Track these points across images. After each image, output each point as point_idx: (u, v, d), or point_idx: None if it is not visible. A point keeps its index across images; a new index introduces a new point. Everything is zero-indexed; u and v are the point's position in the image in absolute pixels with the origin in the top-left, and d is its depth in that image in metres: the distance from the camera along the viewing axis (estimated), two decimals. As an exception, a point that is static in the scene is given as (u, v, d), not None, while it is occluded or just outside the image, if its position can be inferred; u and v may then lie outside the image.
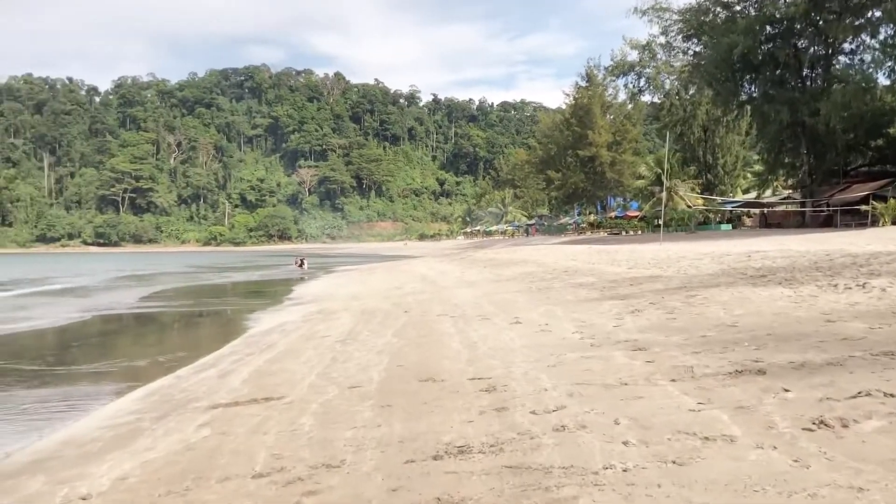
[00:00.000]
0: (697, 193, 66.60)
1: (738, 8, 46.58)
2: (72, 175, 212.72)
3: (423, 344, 8.89)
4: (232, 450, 4.79)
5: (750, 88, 50.80)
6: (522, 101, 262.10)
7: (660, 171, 69.47)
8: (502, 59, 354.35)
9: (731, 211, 63.15)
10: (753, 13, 44.66)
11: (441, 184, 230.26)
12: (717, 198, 58.68)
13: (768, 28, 44.44)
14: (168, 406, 6.91)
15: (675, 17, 50.93)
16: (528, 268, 21.33)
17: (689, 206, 64.84)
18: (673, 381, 5.33)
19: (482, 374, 6.47)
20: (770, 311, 8.23)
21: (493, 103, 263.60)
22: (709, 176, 70.51)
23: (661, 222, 48.52)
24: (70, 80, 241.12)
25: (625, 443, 3.96)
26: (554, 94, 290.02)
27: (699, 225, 61.24)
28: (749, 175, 73.54)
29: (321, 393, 6.53)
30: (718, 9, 46.52)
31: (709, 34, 48.80)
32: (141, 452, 5.05)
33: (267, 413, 5.88)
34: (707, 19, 48.78)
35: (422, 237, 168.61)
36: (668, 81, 66.61)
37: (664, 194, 69.72)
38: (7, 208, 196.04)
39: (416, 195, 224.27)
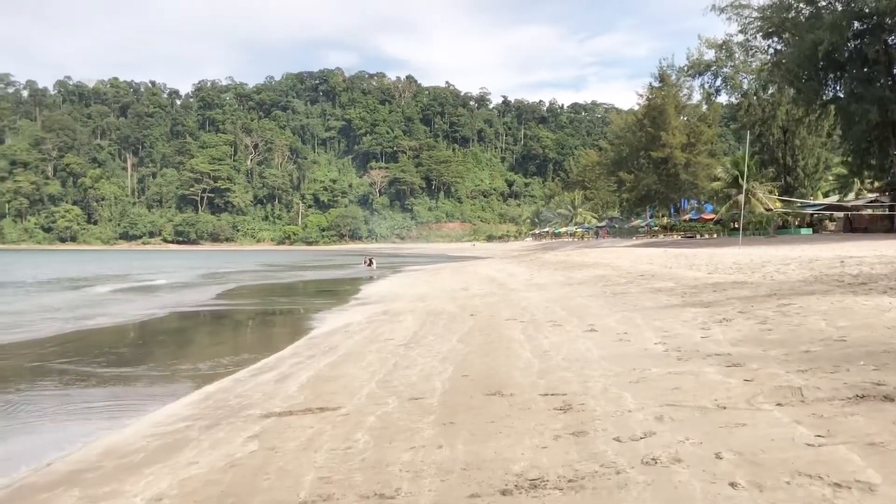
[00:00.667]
0: (775, 196, 63.95)
1: (822, 3, 44.29)
2: (153, 175, 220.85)
3: (491, 351, 8.31)
4: (278, 469, 4.33)
5: (834, 87, 48.37)
6: (593, 103, 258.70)
7: (737, 172, 67.01)
8: (573, 60, 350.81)
9: (811, 215, 60.38)
10: (840, 8, 42.35)
11: (510, 185, 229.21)
12: (798, 200, 56.01)
13: (856, 24, 42.16)
14: (221, 413, 6.54)
15: (755, 14, 48.82)
16: (600, 271, 20.47)
17: (767, 210, 62.23)
18: (779, 405, 4.59)
19: (556, 388, 5.85)
20: (882, 323, 7.31)
21: (563, 105, 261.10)
22: (788, 178, 67.62)
23: (738, 226, 46.51)
24: (153, 83, 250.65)
25: (732, 485, 3.29)
26: (625, 96, 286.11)
27: (778, 229, 58.70)
28: (830, 178, 70.28)
29: (380, 404, 6.03)
30: (802, 5, 44.35)
31: (791, 31, 46.70)
32: (183, 467, 4.64)
33: (320, 426, 5.41)
34: (789, 16, 46.63)
35: (490, 238, 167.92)
36: (746, 81, 64.32)
37: (742, 197, 67.36)
38: (93, 207, 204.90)
39: (485, 196, 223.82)
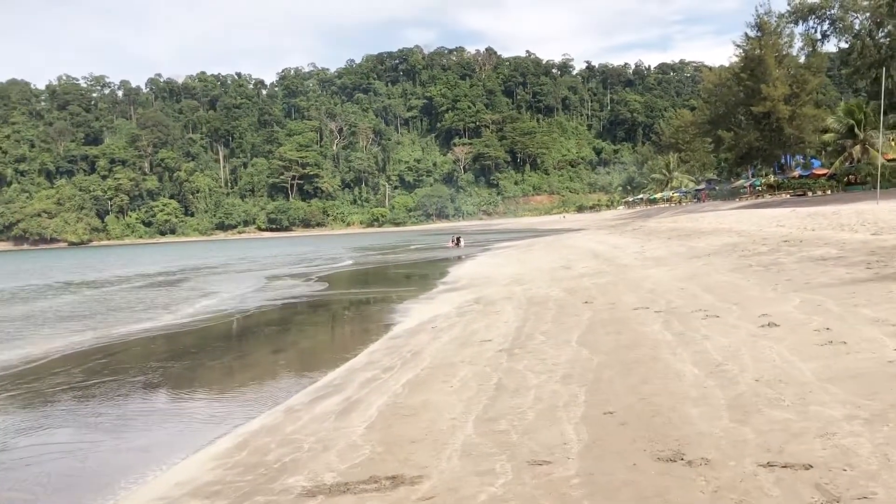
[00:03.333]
0: (881, 143, 57.99)
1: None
2: (244, 165, 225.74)
3: (633, 364, 5.91)
4: None
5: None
6: (682, 62, 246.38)
7: (852, 122, 61.21)
8: (656, 20, 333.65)
9: (946, 164, 54.36)
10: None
11: (598, 153, 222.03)
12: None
13: None
14: (250, 482, 4.45)
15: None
16: (725, 238, 17.53)
17: (891, 160, 56.50)
18: None
19: (782, 448, 3.45)
20: None
21: (649, 66, 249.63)
22: (911, 125, 61.21)
23: (871, 179, 41.85)
24: (239, 75, 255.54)
25: None
26: (714, 52, 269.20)
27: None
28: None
29: (483, 473, 3.79)
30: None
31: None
32: None
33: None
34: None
35: (580, 209, 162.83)
36: (857, 21, 58.56)
37: (858, 148, 61.43)
38: (189, 199, 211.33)
39: (573, 166, 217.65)
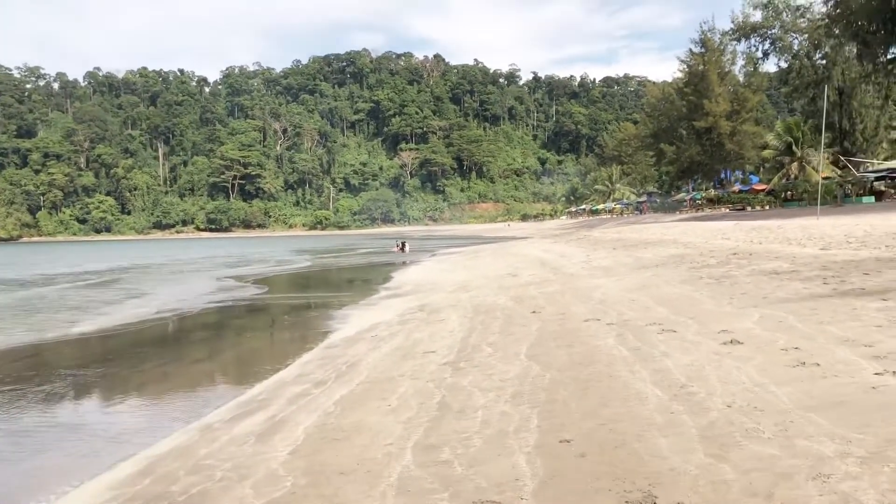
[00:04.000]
0: (829, 163, 59.83)
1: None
2: (184, 163, 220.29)
3: (588, 382, 5.40)
4: None
5: (907, 40, 44.08)
6: (626, 76, 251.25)
7: (790, 139, 62.99)
8: (603, 34, 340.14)
9: (873, 182, 56.22)
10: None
11: (542, 163, 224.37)
12: (871, 162, 51.74)
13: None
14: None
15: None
16: (672, 249, 17.37)
17: (826, 178, 58.14)
18: None
19: (767, 489, 2.96)
20: None
21: (594, 79, 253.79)
22: (845, 143, 63.19)
23: (812, 195, 42.90)
24: (181, 71, 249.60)
25: None
26: (657, 68, 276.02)
27: (834, 198, 54.63)
28: (884, 144, 65.79)
29: (422, 517, 3.20)
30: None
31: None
32: None
33: None
34: (855, -38, 42.58)
35: (524, 218, 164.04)
36: (796, 42, 60.30)
37: (795, 165, 63.20)
38: (126, 197, 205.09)
39: (518, 175, 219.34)
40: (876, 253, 10.88)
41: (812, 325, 6.17)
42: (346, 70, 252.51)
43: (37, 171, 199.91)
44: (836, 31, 47.67)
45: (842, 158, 49.59)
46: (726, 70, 73.28)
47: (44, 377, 8.52)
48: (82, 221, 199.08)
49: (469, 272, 21.34)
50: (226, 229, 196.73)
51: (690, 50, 73.63)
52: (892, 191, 57.04)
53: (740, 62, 71.38)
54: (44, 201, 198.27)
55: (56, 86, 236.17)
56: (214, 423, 5.96)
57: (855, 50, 50.76)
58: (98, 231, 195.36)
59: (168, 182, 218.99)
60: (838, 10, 45.66)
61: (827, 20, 48.47)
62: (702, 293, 9.24)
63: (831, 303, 7.11)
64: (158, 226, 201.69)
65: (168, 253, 59.16)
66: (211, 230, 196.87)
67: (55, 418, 6.70)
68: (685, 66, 74.97)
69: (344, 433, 4.95)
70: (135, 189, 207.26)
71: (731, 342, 5.92)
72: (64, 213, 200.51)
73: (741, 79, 74.46)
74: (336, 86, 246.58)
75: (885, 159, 65.11)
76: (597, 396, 4.92)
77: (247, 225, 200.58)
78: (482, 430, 4.51)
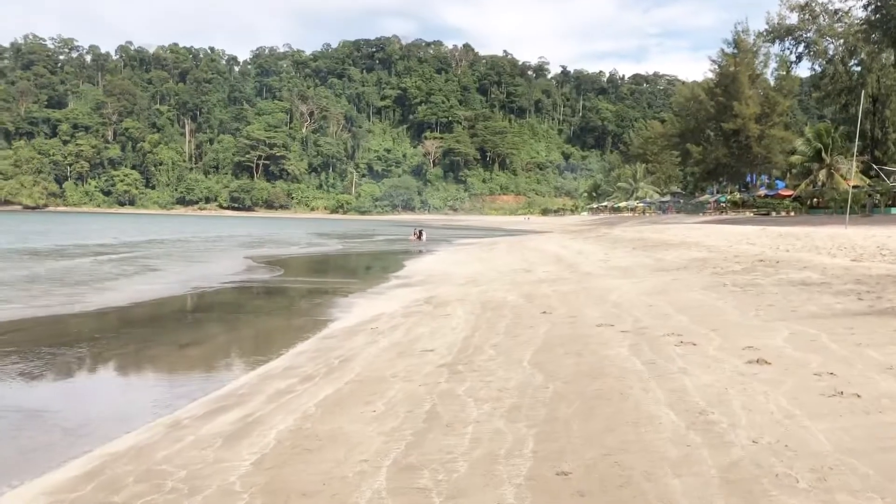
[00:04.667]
0: (858, 171, 58.54)
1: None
2: (210, 141, 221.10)
3: (595, 397, 4.84)
4: None
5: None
6: (655, 74, 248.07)
7: (820, 145, 61.56)
8: (635, 30, 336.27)
9: (903, 193, 54.78)
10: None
11: (566, 157, 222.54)
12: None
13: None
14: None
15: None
16: (694, 252, 16.68)
17: (855, 187, 56.90)
18: None
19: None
20: None
21: (623, 76, 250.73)
22: (877, 153, 61.65)
23: (839, 203, 41.79)
24: (212, 49, 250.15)
25: None
26: (688, 67, 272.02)
27: (863, 208, 53.31)
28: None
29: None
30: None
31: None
32: None
33: None
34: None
35: (545, 212, 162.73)
36: (831, 46, 58.84)
37: (824, 172, 61.74)
38: (151, 171, 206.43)
39: (541, 169, 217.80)
40: (915, 268, 10.17)
41: (848, 346, 5.55)
42: (374, 56, 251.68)
43: (65, 142, 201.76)
44: (875, 38, 46.30)
45: (875, 167, 48.28)
46: (758, 73, 71.95)
47: (21, 355, 8.10)
48: (107, 193, 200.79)
49: (483, 265, 20.79)
50: (248, 208, 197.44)
51: (722, 50, 72.32)
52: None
53: (773, 65, 70.04)
54: (70, 172, 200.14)
55: (88, 58, 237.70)
56: (184, 420, 5.47)
57: (893, 57, 49.42)
58: (122, 204, 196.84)
59: (193, 159, 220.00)
60: (878, 15, 44.35)
61: (866, 25, 47.10)
62: (725, 302, 8.61)
63: (869, 322, 6.47)
64: (182, 202, 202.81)
65: (190, 230, 59.15)
66: (233, 208, 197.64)
67: (16, 402, 6.25)
68: (716, 67, 73.67)
69: (318, 442, 4.44)
70: (160, 164, 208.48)
71: (758, 361, 5.32)
72: (90, 184, 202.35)
73: (772, 82, 73.11)
74: (364, 71, 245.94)
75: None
76: (603, 417, 4.35)
77: (269, 205, 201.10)
78: (470, 452, 3.97)
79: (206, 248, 32.32)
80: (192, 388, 6.77)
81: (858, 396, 4.23)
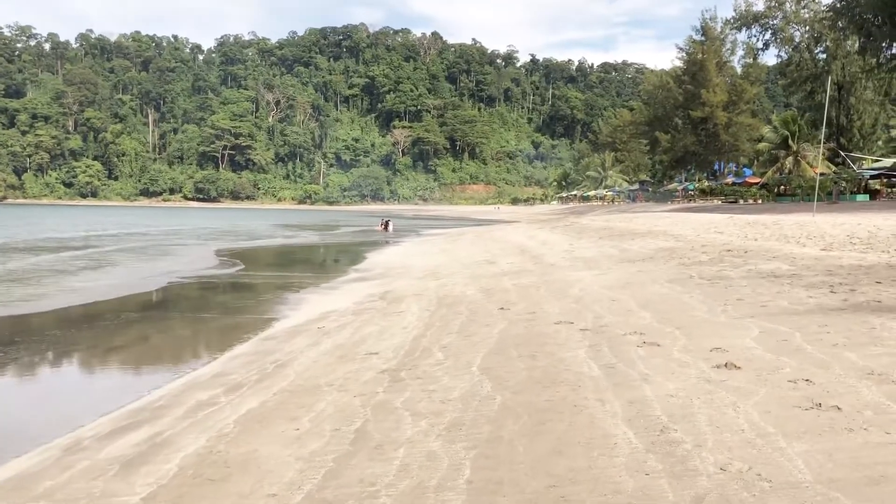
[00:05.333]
0: (824, 158, 59.10)
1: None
2: (175, 131, 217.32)
3: (545, 410, 4.29)
4: None
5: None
6: (624, 63, 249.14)
7: (787, 133, 61.96)
8: (602, 20, 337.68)
9: (867, 180, 55.38)
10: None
11: (536, 146, 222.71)
12: (866, 159, 50.82)
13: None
14: None
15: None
16: (661, 241, 16.29)
17: (821, 174, 57.34)
18: None
19: None
20: None
21: (592, 64, 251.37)
22: (842, 139, 62.24)
23: (806, 190, 42.00)
24: (175, 37, 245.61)
25: None
26: (655, 56, 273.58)
27: (829, 195, 53.69)
28: (879, 142, 64.97)
29: None
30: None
31: (860, -28, 41.60)
32: None
33: None
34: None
35: (515, 201, 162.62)
36: (797, 33, 59.15)
37: (790, 159, 62.16)
38: (113, 162, 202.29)
39: (510, 158, 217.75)
40: (885, 258, 9.80)
41: (824, 347, 5.07)
42: (342, 44, 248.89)
43: (24, 133, 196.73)
44: (840, 24, 46.46)
45: (841, 153, 48.61)
46: (725, 60, 72.26)
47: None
48: (68, 185, 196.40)
49: (446, 256, 20.24)
50: (214, 199, 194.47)
51: (690, 37, 72.46)
52: (888, 189, 56.27)
53: (740, 52, 70.37)
54: (30, 163, 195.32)
55: (47, 46, 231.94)
56: (86, 440, 4.83)
57: (857, 45, 49.66)
58: (84, 196, 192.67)
59: (157, 149, 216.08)
60: (843, 2, 44.46)
61: (831, 13, 47.26)
62: (692, 296, 8.13)
63: (844, 318, 6.01)
64: (146, 193, 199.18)
65: (148, 222, 57.69)
66: (199, 200, 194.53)
67: None
68: (684, 55, 73.77)
69: (225, 470, 3.83)
70: (123, 155, 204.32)
71: (726, 365, 4.82)
72: (50, 175, 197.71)
73: (739, 70, 73.58)
74: (331, 59, 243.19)
75: (882, 156, 64.39)
76: (553, 437, 3.80)
77: (235, 196, 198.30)
78: (396, 482, 3.40)
79: (158, 242, 31.16)
80: (106, 399, 6.09)
81: (839, 409, 3.73)
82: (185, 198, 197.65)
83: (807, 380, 4.30)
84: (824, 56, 57.57)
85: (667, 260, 12.30)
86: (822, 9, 50.90)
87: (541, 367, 5.44)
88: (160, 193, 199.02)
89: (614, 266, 12.55)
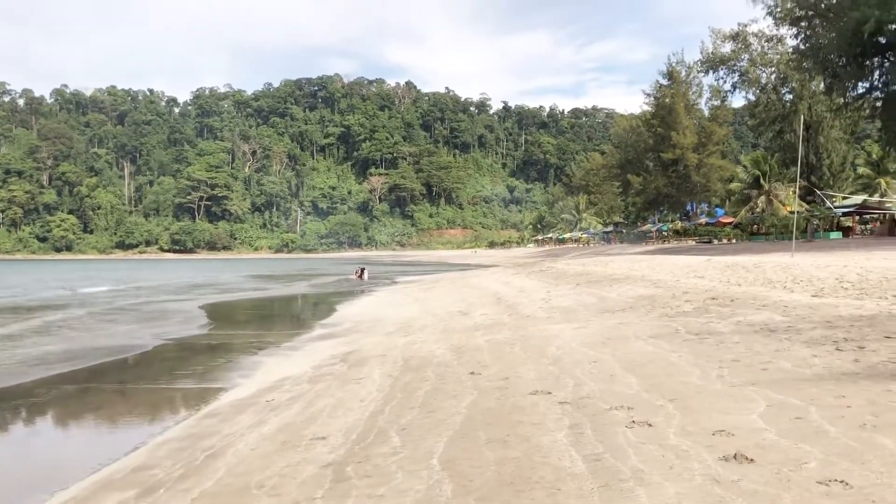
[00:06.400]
0: (796, 196, 59.51)
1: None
2: (150, 183, 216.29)
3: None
4: None
5: (879, 74, 43.37)
6: (594, 108, 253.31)
7: (758, 172, 62.45)
8: (572, 66, 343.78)
9: (840, 217, 55.70)
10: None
11: (511, 191, 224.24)
12: (837, 196, 51.00)
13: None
14: None
15: (787, -7, 44.00)
16: (641, 288, 15.53)
17: (792, 212, 57.56)
18: None
19: None
20: None
21: (563, 110, 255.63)
22: (812, 178, 62.74)
23: (784, 229, 41.76)
24: (151, 91, 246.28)
25: None
26: (625, 101, 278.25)
27: (803, 233, 53.79)
28: (849, 179, 65.68)
29: None
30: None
31: (824, 14, 42.08)
32: None
33: None
34: (824, -6, 41.90)
35: (491, 245, 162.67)
36: (763, 75, 59.92)
37: (763, 199, 62.44)
38: (89, 216, 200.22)
39: (486, 202, 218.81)
40: (885, 306, 9.07)
41: (850, 429, 4.23)
42: (317, 94, 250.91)
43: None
44: (806, 65, 46.92)
45: (817, 192, 48.78)
46: (692, 103, 73.15)
47: None
48: (42, 240, 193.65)
49: (419, 306, 19.34)
50: (190, 250, 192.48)
51: (658, 82, 73.37)
52: (862, 227, 56.50)
53: (706, 95, 71.27)
54: (3, 218, 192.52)
55: (21, 102, 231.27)
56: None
57: (822, 85, 50.16)
58: (58, 250, 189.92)
59: (133, 202, 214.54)
60: (808, 45, 44.94)
61: (796, 54, 47.78)
62: (681, 356, 7.30)
63: (862, 387, 5.20)
64: (121, 245, 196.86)
65: (115, 276, 56.16)
66: (175, 251, 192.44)
67: None
68: (652, 99, 74.60)
69: None
70: (98, 208, 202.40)
71: (736, 457, 3.96)
72: (24, 230, 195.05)
73: (706, 112, 74.59)
74: (307, 109, 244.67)
75: (851, 194, 65.02)
76: (524, 577, 2.90)
77: (212, 247, 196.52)
78: None
79: (118, 298, 29.68)
80: (-7, 508, 5.08)
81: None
82: (162, 249, 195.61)
83: (842, 481, 3.44)
84: (791, 97, 58.31)
85: (648, 310, 11.50)
86: (787, 51, 51.55)
87: (513, 458, 4.54)
88: (136, 246, 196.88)
89: (593, 317, 11.72)
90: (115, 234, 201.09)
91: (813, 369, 5.94)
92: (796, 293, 11.51)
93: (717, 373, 6.27)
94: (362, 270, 46.63)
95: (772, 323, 8.65)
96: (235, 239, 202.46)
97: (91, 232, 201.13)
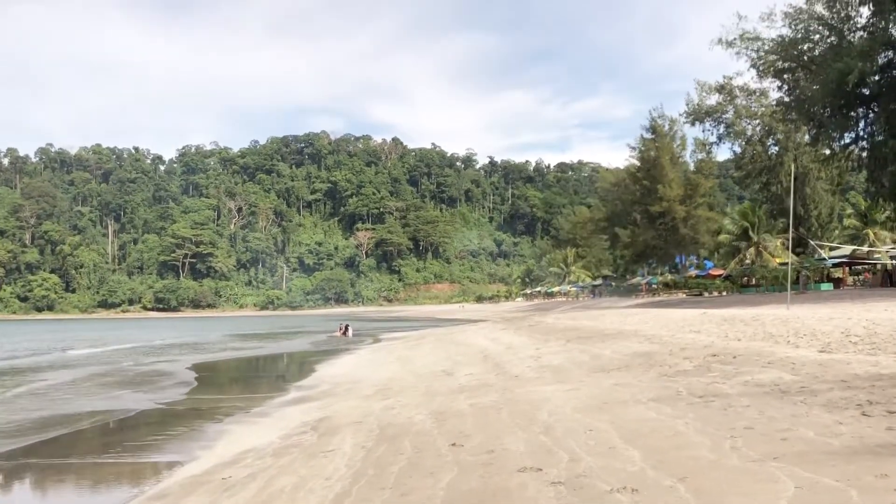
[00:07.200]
0: (784, 247, 59.47)
1: (847, 34, 39.78)
2: (135, 241, 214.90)
3: None
4: None
5: (864, 124, 43.60)
6: (580, 162, 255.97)
7: (746, 224, 62.51)
8: (556, 123, 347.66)
9: (830, 268, 55.45)
10: (866, 37, 37.94)
11: (498, 245, 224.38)
12: (826, 246, 50.81)
13: (884, 54, 37.81)
14: None
15: (768, 46, 44.20)
16: (634, 344, 14.78)
17: (783, 264, 57.33)
18: None
19: None
20: None
21: (549, 164, 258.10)
22: (801, 229, 62.82)
23: (774, 280, 41.37)
24: (136, 149, 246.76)
25: None
26: (609, 155, 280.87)
27: (794, 284, 53.36)
28: (836, 230, 65.87)
29: None
30: (826, 32, 39.67)
31: (808, 66, 42.36)
32: None
33: None
34: (807, 47, 42.20)
35: (479, 299, 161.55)
36: (749, 127, 60.34)
37: (752, 250, 62.31)
38: (71, 274, 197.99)
39: (473, 256, 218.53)
40: (900, 361, 8.36)
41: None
42: (304, 151, 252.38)
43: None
44: (790, 117, 47.17)
45: (811, 242, 48.59)
46: (677, 155, 73.53)
47: None
48: (23, 299, 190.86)
49: (401, 366, 18.45)
50: (174, 309, 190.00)
51: (641, 136, 73.85)
52: (854, 278, 56.25)
53: (690, 147, 71.71)
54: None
55: (6, 161, 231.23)
56: None
57: (808, 137, 50.43)
58: (39, 310, 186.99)
59: (117, 260, 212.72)
60: (792, 96, 45.24)
61: (781, 106, 48.08)
62: (687, 423, 6.51)
63: (882, 461, 4.43)
64: (104, 304, 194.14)
65: (90, 335, 54.70)
66: (158, 309, 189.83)
67: None
68: (636, 153, 74.95)
69: None
70: (81, 267, 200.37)
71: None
72: (4, 290, 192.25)
73: (691, 165, 74.96)
74: (293, 166, 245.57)
75: (840, 244, 65.01)
76: None
77: (196, 304, 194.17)
78: None
79: (89, 361, 28.37)
80: None
81: None
82: (145, 308, 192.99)
83: None
84: (777, 148, 58.59)
85: (646, 369, 10.72)
86: (772, 103, 51.93)
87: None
88: (119, 304, 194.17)
89: (586, 377, 10.92)
90: (98, 292, 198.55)
91: (840, 439, 5.17)
92: (802, 348, 10.79)
93: (731, 443, 5.49)
94: (346, 327, 45.63)
95: (782, 383, 7.89)
96: (220, 296, 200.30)
97: (73, 291, 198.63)
